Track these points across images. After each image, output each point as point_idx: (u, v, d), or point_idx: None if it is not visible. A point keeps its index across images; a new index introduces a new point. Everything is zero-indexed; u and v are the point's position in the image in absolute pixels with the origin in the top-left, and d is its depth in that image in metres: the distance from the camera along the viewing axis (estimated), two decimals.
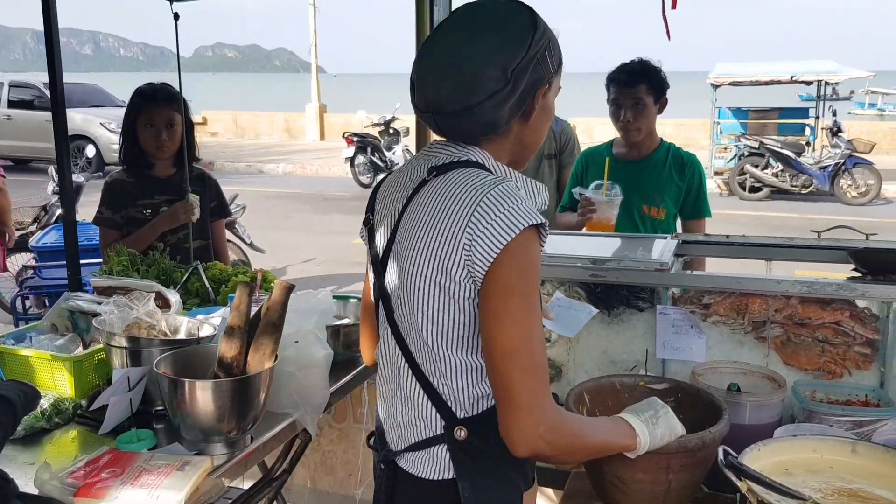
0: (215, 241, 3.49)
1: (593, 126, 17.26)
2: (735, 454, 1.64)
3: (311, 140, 22.32)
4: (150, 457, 1.88)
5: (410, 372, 1.54)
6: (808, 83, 15.59)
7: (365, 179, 15.12)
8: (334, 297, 2.80)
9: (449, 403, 1.51)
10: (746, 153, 13.80)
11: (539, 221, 1.40)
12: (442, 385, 1.51)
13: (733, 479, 1.57)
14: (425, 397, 1.53)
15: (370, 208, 1.67)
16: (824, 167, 13.14)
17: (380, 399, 1.71)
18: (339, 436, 3.26)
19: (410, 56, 1.60)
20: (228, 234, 6.82)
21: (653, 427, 1.63)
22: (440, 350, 1.49)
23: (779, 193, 13.44)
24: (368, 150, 15.06)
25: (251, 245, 7.14)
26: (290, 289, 2.11)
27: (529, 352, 1.39)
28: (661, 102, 3.34)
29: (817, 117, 15.31)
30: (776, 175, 13.45)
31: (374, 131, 15.63)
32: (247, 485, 2.80)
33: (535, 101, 1.50)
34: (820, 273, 2.45)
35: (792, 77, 15.12)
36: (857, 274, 2.36)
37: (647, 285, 2.37)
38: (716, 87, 14.98)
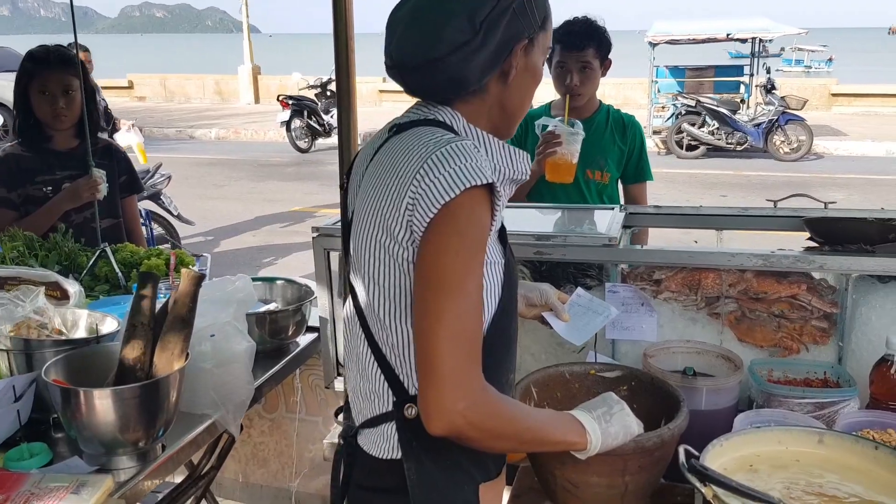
0: (127, 219, 3.20)
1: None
2: (696, 453, 1.49)
3: (245, 103, 21.64)
4: (41, 478, 1.65)
5: (366, 343, 1.44)
6: (744, 41, 15.67)
7: (302, 144, 14.70)
8: (256, 280, 2.58)
9: (401, 379, 1.41)
10: (683, 112, 13.80)
11: (487, 181, 1.27)
12: (393, 357, 1.41)
13: (696, 483, 1.41)
14: (379, 371, 1.43)
15: (348, 172, 1.58)
16: (758, 124, 13.24)
17: (347, 371, 1.61)
18: (270, 427, 3.06)
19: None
20: (153, 207, 6.50)
21: (605, 425, 1.47)
22: (386, 318, 1.39)
23: (715, 151, 13.51)
24: (305, 113, 14.59)
25: (179, 217, 6.80)
26: (199, 279, 1.88)
27: (458, 318, 1.25)
28: (605, 65, 3.19)
29: (752, 75, 15.44)
30: (712, 133, 13.50)
31: (311, 94, 15.13)
32: (177, 480, 2.60)
33: (512, 57, 1.38)
34: (771, 242, 2.32)
35: (728, 35, 15.19)
36: (813, 244, 2.22)
37: (595, 262, 2.21)
38: (653, 45, 14.93)
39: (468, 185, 1.25)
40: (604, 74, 3.24)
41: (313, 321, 2.64)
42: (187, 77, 23.96)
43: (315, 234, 2.36)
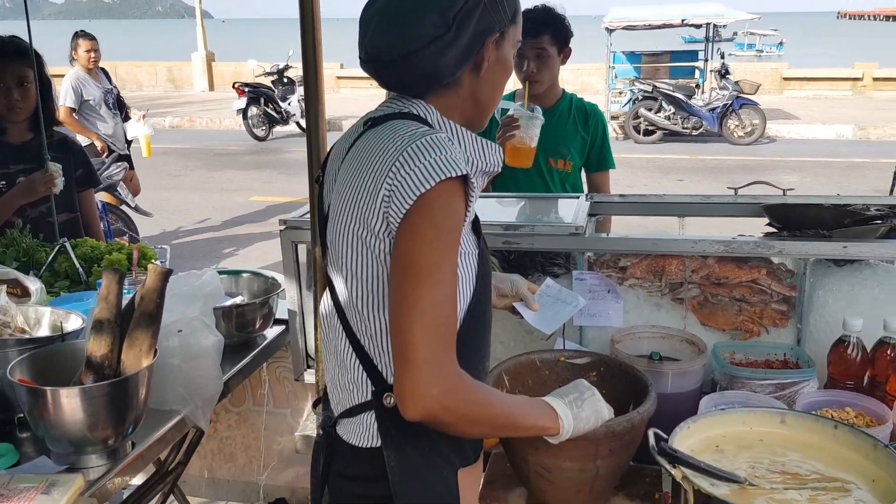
0: (84, 213, 3.14)
1: None
2: (665, 436, 1.52)
3: (199, 91, 21.28)
4: (10, 479, 1.63)
5: (344, 334, 1.46)
6: (698, 26, 15.82)
7: (259, 132, 14.51)
8: (222, 273, 2.57)
9: (379, 368, 1.43)
10: (640, 97, 13.92)
11: (461, 173, 1.29)
12: (371, 346, 1.43)
13: (666, 466, 1.45)
14: (358, 362, 1.45)
15: (323, 165, 1.59)
16: (713, 109, 13.42)
17: (325, 363, 1.62)
18: (237, 420, 3.04)
19: None
20: (110, 200, 6.38)
21: (577, 410, 1.50)
22: (364, 309, 1.40)
23: (671, 136, 13.66)
24: (262, 100, 14.38)
25: (136, 209, 6.69)
26: (166, 274, 1.87)
27: (433, 306, 1.27)
28: (564, 53, 3.20)
29: (706, 60, 15.61)
30: (669, 118, 13.65)
31: (267, 81, 14.92)
32: (138, 480, 2.58)
33: (484, 50, 1.40)
34: (731, 228, 2.37)
35: (683, 20, 15.31)
36: (772, 230, 2.28)
37: (562, 250, 2.23)
38: (610, 31, 15.02)
39: (443, 177, 1.27)
40: (563, 62, 3.25)
41: (281, 314, 2.64)
42: (139, 65, 23.48)
43: (283, 227, 2.35)
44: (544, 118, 3.19)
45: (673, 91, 13.68)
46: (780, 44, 40.79)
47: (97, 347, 1.78)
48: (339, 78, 20.09)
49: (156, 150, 13.34)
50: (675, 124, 13.57)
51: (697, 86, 15.00)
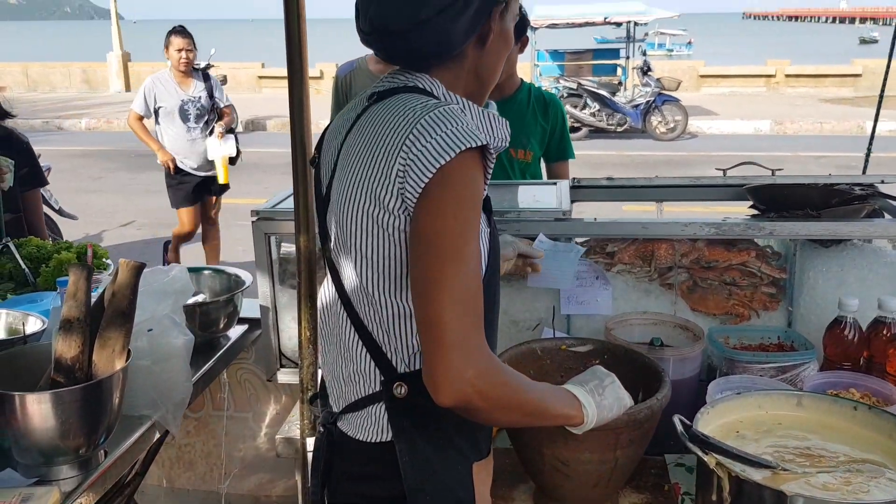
0: (29, 214, 2.93)
1: None
2: (689, 423, 1.47)
3: (116, 91, 20.54)
4: None
5: (349, 321, 1.39)
6: (619, 24, 16.08)
7: None
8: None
9: (388, 356, 1.36)
10: (565, 94, 14.05)
11: (480, 143, 1.23)
12: (381, 333, 1.36)
13: (698, 452, 1.39)
14: (364, 349, 1.38)
15: (318, 147, 1.53)
16: (636, 105, 13.68)
17: (322, 356, 1.55)
18: (196, 427, 2.88)
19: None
20: None
21: (599, 398, 1.43)
22: (375, 292, 1.33)
23: (596, 132, 13.86)
24: None
25: (60, 212, 6.36)
26: (139, 269, 1.73)
27: (461, 282, 1.20)
28: (522, 41, 3.16)
29: (628, 58, 15.89)
30: (594, 115, 13.84)
31: None
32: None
33: (491, 21, 1.36)
34: (711, 213, 2.34)
35: (605, 18, 15.57)
36: (755, 212, 2.26)
37: (549, 235, 2.16)
38: (535, 29, 15.13)
39: (463, 147, 1.22)
40: (521, 51, 3.23)
41: (244, 313, 2.50)
42: (51, 66, 22.52)
43: (255, 219, 2.22)
44: (506, 108, 3.14)
45: (597, 88, 13.89)
46: (689, 43, 41.94)
47: (66, 348, 1.62)
48: (260, 77, 19.71)
49: (73, 152, 12.93)
50: (601, 121, 13.78)
51: (620, 83, 15.26)
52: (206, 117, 5.84)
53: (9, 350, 1.74)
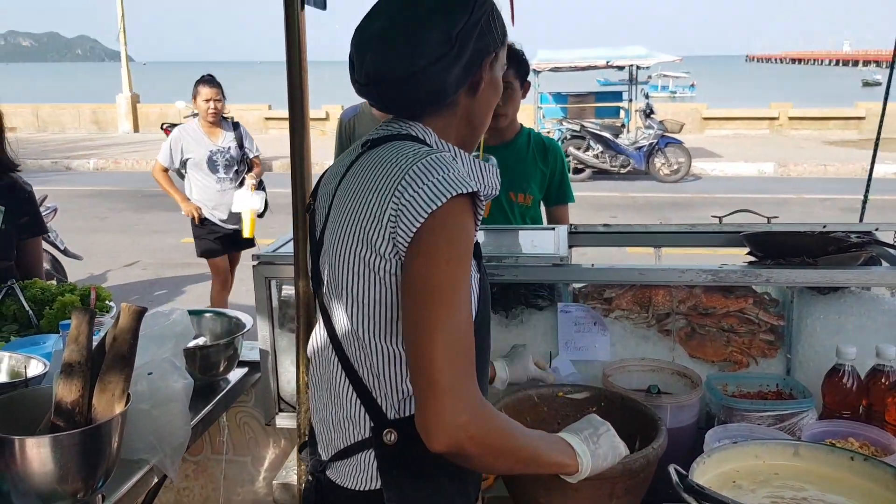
0: (28, 261, 2.93)
1: None
2: (685, 472, 1.47)
3: (124, 132, 20.77)
4: None
5: (340, 365, 1.40)
6: (621, 68, 16.25)
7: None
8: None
9: (379, 402, 1.37)
10: (569, 136, 14.20)
11: (471, 189, 1.27)
12: (371, 378, 1.37)
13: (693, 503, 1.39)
14: (354, 394, 1.39)
15: (314, 193, 1.56)
16: (640, 147, 13.76)
17: (312, 402, 1.55)
18: (195, 470, 2.87)
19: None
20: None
21: (594, 447, 1.43)
22: (366, 336, 1.34)
23: (600, 174, 13.94)
24: None
25: (65, 252, 6.41)
26: (140, 313, 1.75)
27: (453, 327, 1.22)
28: (525, 87, 3.23)
29: (630, 100, 16.03)
30: (597, 156, 13.94)
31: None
32: None
33: (482, 70, 1.41)
34: (707, 259, 2.36)
35: (607, 62, 15.75)
36: (752, 259, 2.27)
37: (546, 282, 2.18)
38: (538, 72, 15.30)
39: (454, 193, 1.25)
40: (524, 97, 3.31)
41: (243, 356, 2.51)
42: (62, 107, 22.79)
43: (255, 263, 2.24)
44: (506, 152, 3.18)
45: (600, 130, 14.01)
46: (692, 85, 42.37)
47: (67, 392, 1.64)
48: (266, 119, 19.92)
49: (81, 192, 13.03)
50: (604, 163, 13.87)
51: (623, 125, 15.39)
52: (235, 168, 5.74)
53: (9, 393, 1.75)
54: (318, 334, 1.49)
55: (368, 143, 1.42)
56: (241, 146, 5.77)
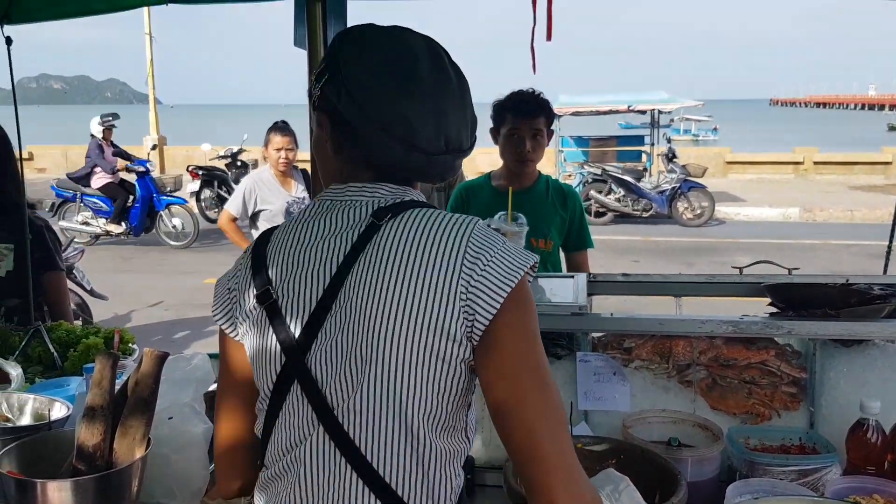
0: (50, 297, 2.99)
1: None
2: None
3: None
4: None
5: (356, 477, 1.21)
6: (643, 112, 16.32)
7: (212, 214, 14.35)
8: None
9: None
10: (590, 180, 14.23)
11: (535, 261, 1.25)
12: (409, 488, 1.22)
13: None
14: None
15: (264, 278, 1.31)
16: (662, 191, 13.75)
17: None
18: None
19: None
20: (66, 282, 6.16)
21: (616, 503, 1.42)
22: (424, 434, 1.22)
23: (622, 217, 13.93)
24: (215, 183, 14.32)
25: (91, 292, 6.49)
26: (162, 358, 1.77)
27: (557, 402, 1.21)
28: (549, 134, 3.30)
29: (652, 144, 16.08)
30: (619, 200, 13.95)
31: (221, 164, 14.93)
32: None
33: None
34: (727, 309, 2.34)
35: (629, 107, 15.83)
36: (773, 310, 2.26)
37: (565, 330, 2.18)
38: (559, 117, 15.39)
39: (526, 268, 1.22)
40: (548, 144, 3.36)
41: None
42: None
43: None
44: (525, 198, 3.22)
45: (622, 174, 14.02)
46: (715, 129, 42.41)
47: (89, 436, 1.65)
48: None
49: None
50: (626, 206, 13.86)
51: (645, 169, 15.40)
52: None
53: (33, 436, 1.77)
54: (316, 444, 1.24)
55: (385, 212, 1.27)
56: (312, 195, 5.43)
